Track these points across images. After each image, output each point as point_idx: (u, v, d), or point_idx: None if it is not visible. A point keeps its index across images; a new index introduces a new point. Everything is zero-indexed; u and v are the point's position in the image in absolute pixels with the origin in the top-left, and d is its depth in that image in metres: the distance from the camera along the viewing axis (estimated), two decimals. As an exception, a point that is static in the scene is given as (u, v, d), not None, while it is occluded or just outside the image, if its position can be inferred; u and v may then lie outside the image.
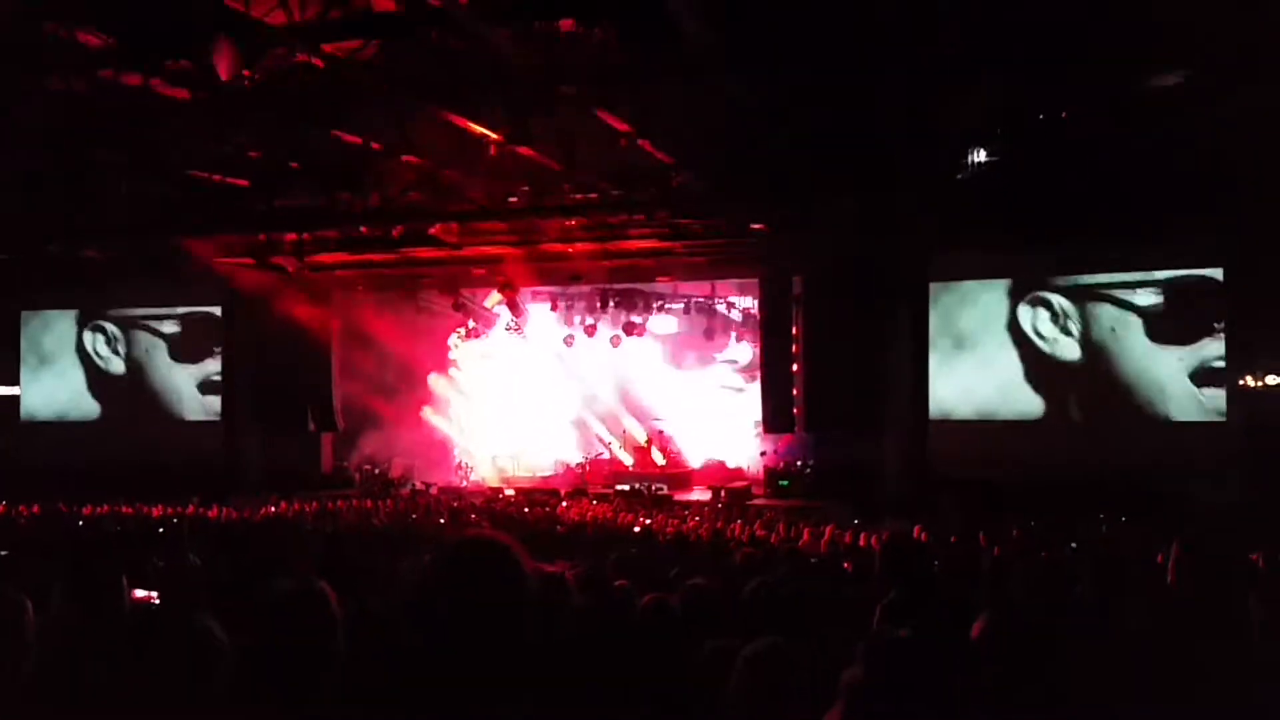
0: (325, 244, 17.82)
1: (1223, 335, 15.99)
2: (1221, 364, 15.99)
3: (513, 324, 22.94)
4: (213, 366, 22.41)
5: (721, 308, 23.33)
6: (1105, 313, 16.73)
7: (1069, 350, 17.04)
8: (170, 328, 22.65)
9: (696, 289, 22.93)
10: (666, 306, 22.83)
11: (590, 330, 22.99)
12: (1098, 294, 16.82)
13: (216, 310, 22.08)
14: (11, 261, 19.51)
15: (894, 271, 17.75)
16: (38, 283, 21.76)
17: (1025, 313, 17.33)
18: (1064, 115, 13.72)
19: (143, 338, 22.85)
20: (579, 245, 17.51)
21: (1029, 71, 11.87)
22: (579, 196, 15.17)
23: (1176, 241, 16.17)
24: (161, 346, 22.69)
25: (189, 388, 22.52)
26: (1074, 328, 16.94)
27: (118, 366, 22.94)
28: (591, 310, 22.66)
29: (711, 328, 23.23)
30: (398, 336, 21.93)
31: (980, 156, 14.87)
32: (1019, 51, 11.23)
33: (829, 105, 12.13)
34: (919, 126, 13.33)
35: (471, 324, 23.23)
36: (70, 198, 15.31)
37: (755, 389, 20.26)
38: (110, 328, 22.99)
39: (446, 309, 22.19)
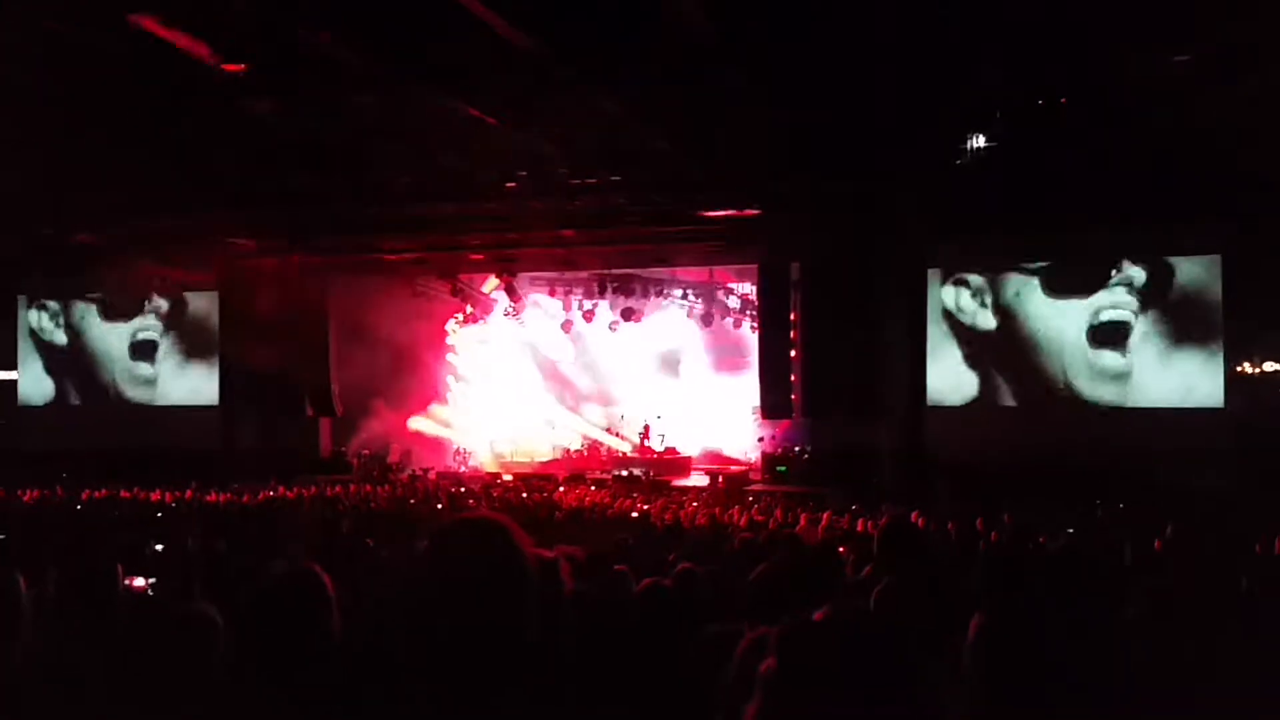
0: (323, 227, 17.78)
1: (1120, 288, 16.56)
2: (1120, 315, 16.57)
3: (510, 309, 22.93)
4: (144, 321, 22.50)
5: (720, 294, 23.31)
6: (1012, 279, 17.51)
7: (986, 320, 17.71)
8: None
9: (695, 275, 22.90)
10: (665, 292, 22.81)
11: (588, 316, 22.98)
12: (1007, 265, 17.59)
13: (213, 294, 22.01)
14: (11, 246, 19.46)
15: (892, 258, 17.74)
16: (36, 269, 21.73)
17: (949, 292, 17.98)
18: (1062, 101, 13.66)
19: (77, 306, 22.97)
20: (577, 230, 17.47)
21: (1028, 56, 11.81)
22: (577, 181, 15.13)
23: (1175, 229, 16.15)
24: (93, 309, 22.86)
25: (121, 345, 22.68)
26: (987, 299, 17.70)
27: (60, 338, 23.08)
28: (589, 296, 22.65)
29: (710, 313, 23.22)
30: (395, 322, 21.91)
31: (980, 142, 14.81)
32: (1019, 35, 11.17)
33: (828, 91, 12.08)
34: (918, 112, 13.28)
35: (469, 309, 23.23)
36: (66, 182, 15.26)
37: (752, 375, 20.24)
38: (51, 304, 23.06)
39: (444, 294, 22.17)
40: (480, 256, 20.00)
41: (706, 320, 23.28)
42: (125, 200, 16.31)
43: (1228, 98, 12.35)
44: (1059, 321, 17.07)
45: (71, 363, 22.98)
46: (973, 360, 17.79)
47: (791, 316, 18.94)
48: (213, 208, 16.57)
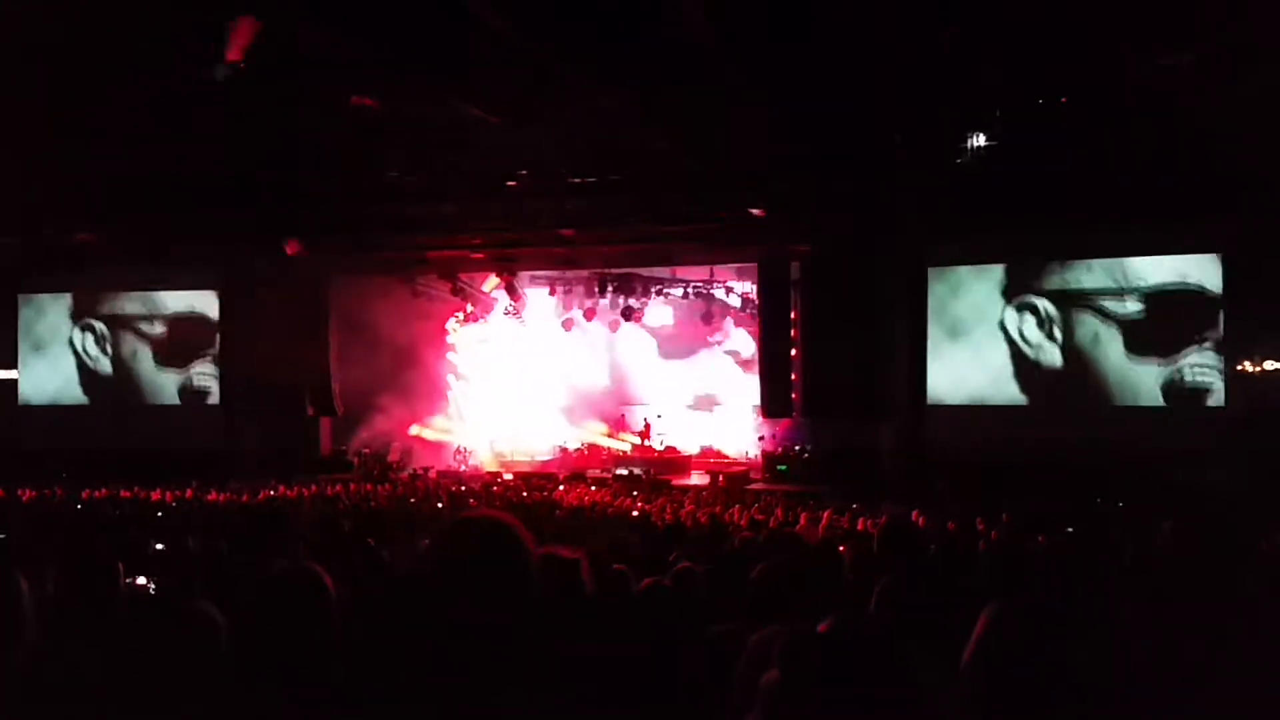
0: (324, 227, 17.78)
1: (1204, 346, 16.14)
2: (1203, 376, 16.13)
3: (511, 308, 22.93)
4: (199, 369, 22.32)
5: (720, 293, 23.31)
6: (1088, 320, 16.93)
7: (1052, 356, 17.24)
8: (158, 329, 22.53)
9: (695, 274, 22.89)
10: (665, 291, 22.80)
11: (589, 314, 22.97)
12: (1082, 302, 16.98)
13: (214, 295, 22.00)
14: (9, 244, 19.46)
15: (892, 257, 17.74)
16: (34, 266, 21.71)
17: (1011, 316, 17.50)
18: (1063, 100, 13.66)
19: (129, 339, 22.72)
20: (577, 229, 17.47)
21: (1029, 56, 11.81)
22: (578, 180, 15.13)
23: (1175, 228, 16.15)
24: (147, 351, 22.55)
25: (171, 390, 22.45)
26: (1058, 333, 17.14)
27: (105, 366, 22.87)
28: (590, 295, 22.64)
29: (710, 312, 23.21)
30: (396, 321, 21.91)
31: (979, 141, 14.81)
32: (1019, 35, 11.18)
33: (828, 90, 12.08)
34: (918, 111, 13.29)
35: (470, 308, 23.23)
36: (66, 181, 15.27)
37: (752, 374, 20.25)
38: (99, 326, 22.87)
39: (445, 293, 22.17)
40: (480, 256, 20.00)
41: (707, 319, 23.28)
42: (126, 199, 16.32)
43: (1228, 97, 12.35)
44: (1136, 378, 16.57)
45: (113, 388, 22.74)
46: (1024, 382, 17.41)
47: (792, 315, 18.93)
48: (214, 207, 16.57)
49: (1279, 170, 12.92)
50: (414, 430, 23.45)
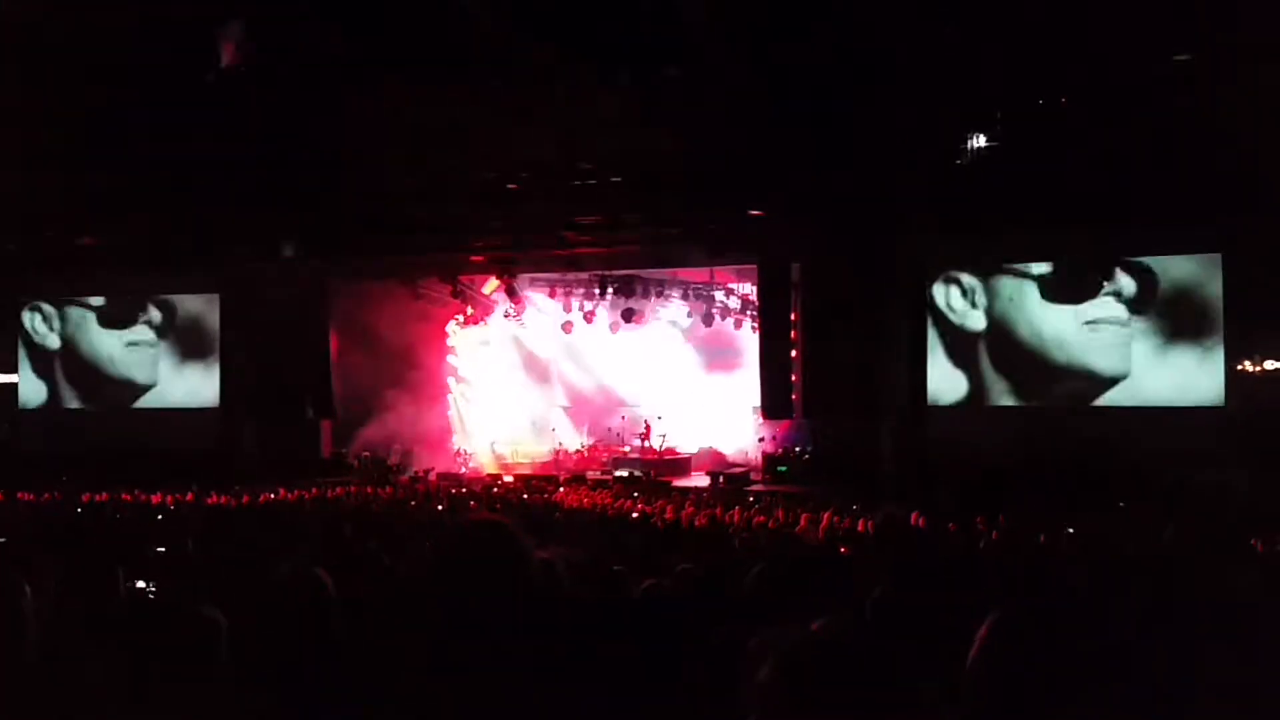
0: (324, 229, 17.79)
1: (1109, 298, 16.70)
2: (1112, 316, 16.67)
3: (511, 311, 22.93)
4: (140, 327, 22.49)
5: (720, 294, 23.31)
6: (1005, 282, 17.57)
7: (975, 321, 17.73)
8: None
9: (695, 275, 22.90)
10: (665, 293, 22.80)
11: (589, 317, 22.98)
12: (999, 269, 17.66)
13: (214, 297, 22.02)
14: (12, 249, 19.47)
15: (892, 258, 17.74)
16: (36, 270, 21.73)
17: (939, 290, 17.95)
18: (1063, 101, 13.66)
19: (74, 312, 22.91)
20: (577, 231, 17.48)
21: (1029, 56, 11.82)
22: (578, 182, 15.14)
23: (1175, 228, 16.16)
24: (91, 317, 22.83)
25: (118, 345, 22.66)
26: (979, 300, 17.71)
27: (54, 342, 23.03)
28: (590, 297, 22.64)
29: (710, 314, 23.22)
30: (396, 323, 21.91)
31: (980, 143, 14.81)
32: (1019, 35, 11.18)
33: (828, 92, 12.09)
34: (918, 113, 13.29)
35: (470, 311, 23.23)
36: (67, 186, 15.27)
37: (752, 374, 20.22)
38: (46, 306, 23.00)
39: (445, 296, 22.17)
40: (481, 258, 20.01)
41: (707, 321, 23.29)
42: (127, 204, 16.32)
43: (1228, 97, 12.35)
44: (1056, 322, 17.15)
45: (64, 365, 22.91)
46: (959, 359, 17.83)
47: (792, 317, 18.94)
48: (214, 210, 16.58)
49: (1278, 170, 12.92)
50: (414, 422, 23.44)
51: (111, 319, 22.73)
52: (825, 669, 1.63)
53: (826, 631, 1.69)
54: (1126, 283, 16.75)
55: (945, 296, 17.92)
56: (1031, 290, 17.34)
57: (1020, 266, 17.45)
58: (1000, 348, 17.53)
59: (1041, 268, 17.32)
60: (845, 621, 1.74)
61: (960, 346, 17.82)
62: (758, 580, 3.78)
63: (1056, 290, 17.16)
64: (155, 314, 22.47)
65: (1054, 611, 2.69)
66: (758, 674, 1.67)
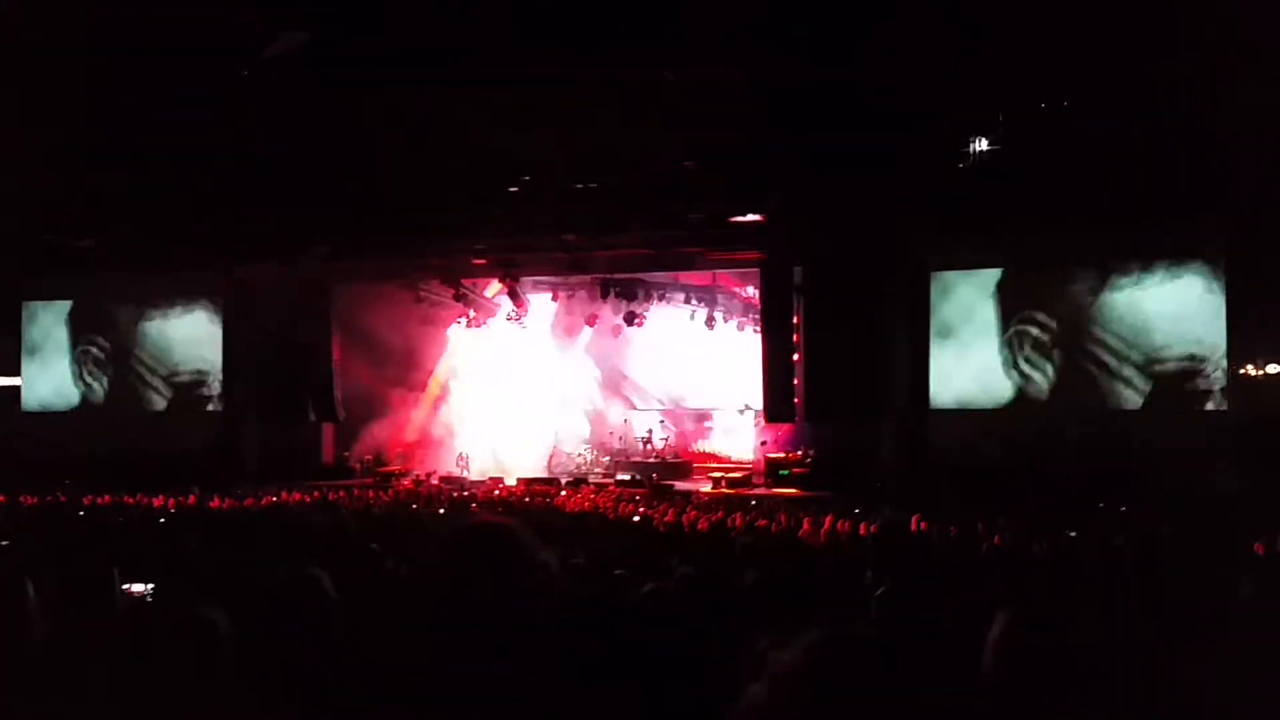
0: (327, 232, 17.81)
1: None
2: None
3: (513, 314, 22.93)
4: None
5: (723, 298, 23.29)
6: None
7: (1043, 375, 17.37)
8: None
9: (697, 278, 22.88)
10: (668, 296, 22.79)
11: (591, 320, 22.97)
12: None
13: (217, 301, 22.03)
14: (13, 251, 19.49)
15: (894, 261, 17.75)
16: (37, 273, 21.75)
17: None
18: (1065, 104, 13.67)
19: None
20: (579, 234, 17.49)
21: (1030, 59, 11.83)
22: (579, 185, 15.15)
23: (1177, 231, 16.15)
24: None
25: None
26: (1053, 355, 17.27)
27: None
28: (592, 300, 22.63)
29: (712, 317, 23.21)
30: (398, 326, 21.91)
31: (982, 145, 14.82)
32: (1021, 38, 11.19)
33: (830, 95, 12.10)
34: (920, 115, 13.30)
35: (472, 314, 23.23)
36: (70, 189, 15.30)
37: (755, 377, 20.20)
38: (95, 352, 22.88)
39: (447, 299, 22.18)
40: (483, 261, 20.03)
41: (709, 324, 23.27)
42: (129, 206, 16.35)
43: (1232, 99, 12.36)
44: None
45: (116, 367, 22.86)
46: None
47: (794, 320, 18.94)
48: (217, 213, 16.60)
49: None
50: (416, 426, 23.44)
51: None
52: (829, 672, 1.62)
53: (831, 636, 1.68)
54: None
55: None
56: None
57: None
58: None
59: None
60: (851, 624, 1.74)
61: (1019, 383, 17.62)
62: (760, 584, 3.78)
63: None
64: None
65: (1059, 614, 2.70)
66: (764, 679, 1.66)
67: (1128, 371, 16.61)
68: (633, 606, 4.05)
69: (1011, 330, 17.54)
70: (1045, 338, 17.27)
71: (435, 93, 11.53)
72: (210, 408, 22.01)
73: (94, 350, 22.90)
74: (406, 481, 20.62)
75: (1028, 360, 17.41)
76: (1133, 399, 16.53)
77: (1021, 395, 17.44)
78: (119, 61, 10.83)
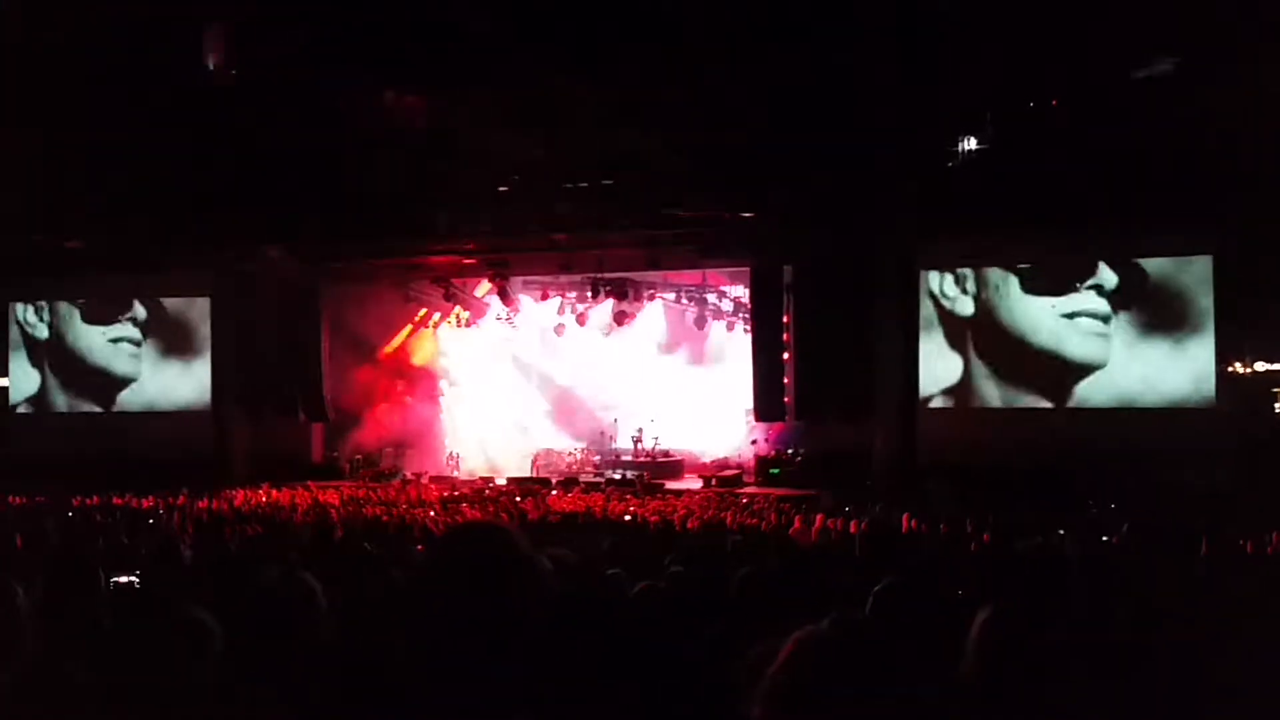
0: (316, 231, 17.77)
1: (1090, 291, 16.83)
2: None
3: (503, 313, 22.91)
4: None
5: (713, 297, 23.31)
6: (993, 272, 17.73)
7: (965, 307, 17.80)
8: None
9: (687, 278, 22.90)
10: (658, 295, 22.79)
11: (581, 319, 22.95)
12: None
13: (205, 299, 21.93)
14: (2, 252, 19.38)
15: (884, 260, 17.79)
16: (24, 273, 21.61)
17: (934, 277, 18.02)
18: (1054, 103, 13.72)
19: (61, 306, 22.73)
20: (569, 234, 17.48)
21: (1021, 58, 11.86)
22: (569, 185, 15.14)
23: (1166, 228, 16.21)
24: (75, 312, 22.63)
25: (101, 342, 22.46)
26: (969, 286, 17.82)
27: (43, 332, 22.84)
28: (582, 299, 22.62)
29: (703, 317, 23.22)
30: (388, 326, 21.85)
31: (971, 144, 14.86)
32: (1012, 37, 11.22)
33: (821, 94, 12.12)
34: (910, 114, 13.33)
35: (462, 313, 23.20)
36: (57, 187, 15.22)
37: (745, 377, 20.22)
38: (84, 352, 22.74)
39: (437, 298, 22.14)
40: (473, 260, 20.00)
41: (700, 323, 23.29)
42: (117, 205, 16.28)
43: (1220, 98, 12.42)
44: (1035, 313, 17.27)
45: (52, 357, 22.75)
46: (952, 341, 17.89)
47: (784, 319, 18.96)
48: (206, 212, 16.54)
49: (1269, 171, 12.99)
50: (406, 424, 23.39)
51: (96, 317, 22.51)
52: (828, 670, 1.62)
53: (827, 634, 1.69)
54: (1109, 277, 16.83)
55: (940, 283, 17.94)
56: (1014, 283, 17.52)
57: (1007, 264, 17.55)
58: (985, 331, 17.70)
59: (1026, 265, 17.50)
60: (846, 622, 1.74)
61: (953, 330, 17.89)
62: (750, 583, 3.79)
63: (1037, 285, 17.34)
64: (141, 312, 22.31)
65: (1039, 611, 2.71)
66: (759, 678, 1.66)
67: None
68: (625, 605, 4.05)
69: (934, 284, 17.80)
70: (959, 288, 17.58)
71: (425, 91, 11.51)
72: (199, 408, 21.90)
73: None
74: (396, 482, 20.58)
75: (945, 306, 17.79)
76: (1121, 397, 16.61)
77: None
78: (106, 60, 10.77)
